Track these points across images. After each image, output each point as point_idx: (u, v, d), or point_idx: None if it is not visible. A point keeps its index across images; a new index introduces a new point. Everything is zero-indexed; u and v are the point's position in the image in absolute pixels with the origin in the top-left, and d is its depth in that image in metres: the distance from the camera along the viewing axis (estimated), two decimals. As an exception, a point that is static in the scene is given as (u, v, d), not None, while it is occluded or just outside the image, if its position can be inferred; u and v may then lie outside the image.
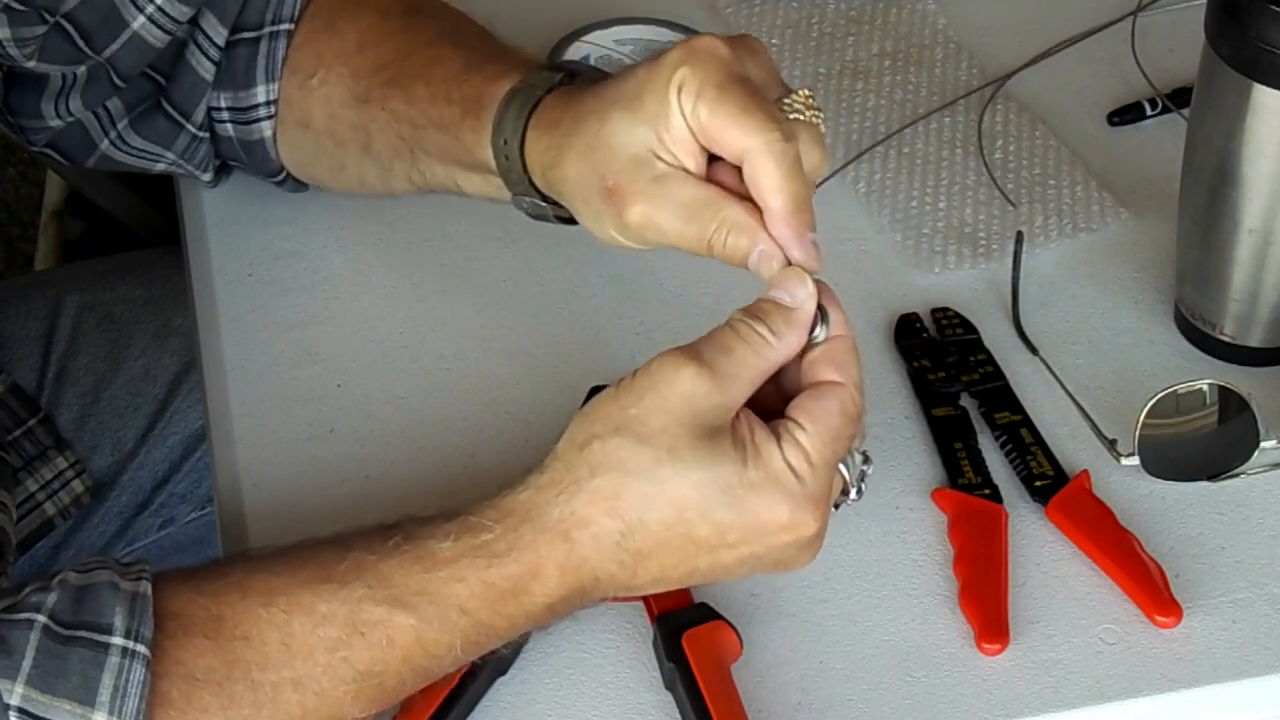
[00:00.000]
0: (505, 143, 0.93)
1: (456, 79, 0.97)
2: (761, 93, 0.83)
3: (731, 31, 1.21)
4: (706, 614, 0.86)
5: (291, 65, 1.03)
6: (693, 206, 0.84)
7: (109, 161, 1.08)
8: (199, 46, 1.03)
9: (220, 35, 1.03)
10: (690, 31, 1.17)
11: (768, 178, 0.82)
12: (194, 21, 1.03)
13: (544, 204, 0.94)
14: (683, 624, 0.85)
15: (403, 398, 1.00)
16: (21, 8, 0.97)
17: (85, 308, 1.23)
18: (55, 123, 1.06)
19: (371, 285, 1.06)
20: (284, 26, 1.03)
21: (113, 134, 1.07)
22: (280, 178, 1.08)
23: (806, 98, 0.85)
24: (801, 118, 0.84)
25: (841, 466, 0.81)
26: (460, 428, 0.98)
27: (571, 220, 0.93)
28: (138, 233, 1.72)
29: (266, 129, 1.04)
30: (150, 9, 1.00)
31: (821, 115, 0.85)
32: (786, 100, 0.84)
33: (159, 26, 1.01)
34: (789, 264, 0.83)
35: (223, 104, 1.05)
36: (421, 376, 1.01)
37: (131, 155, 1.08)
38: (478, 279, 1.06)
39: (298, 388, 1.01)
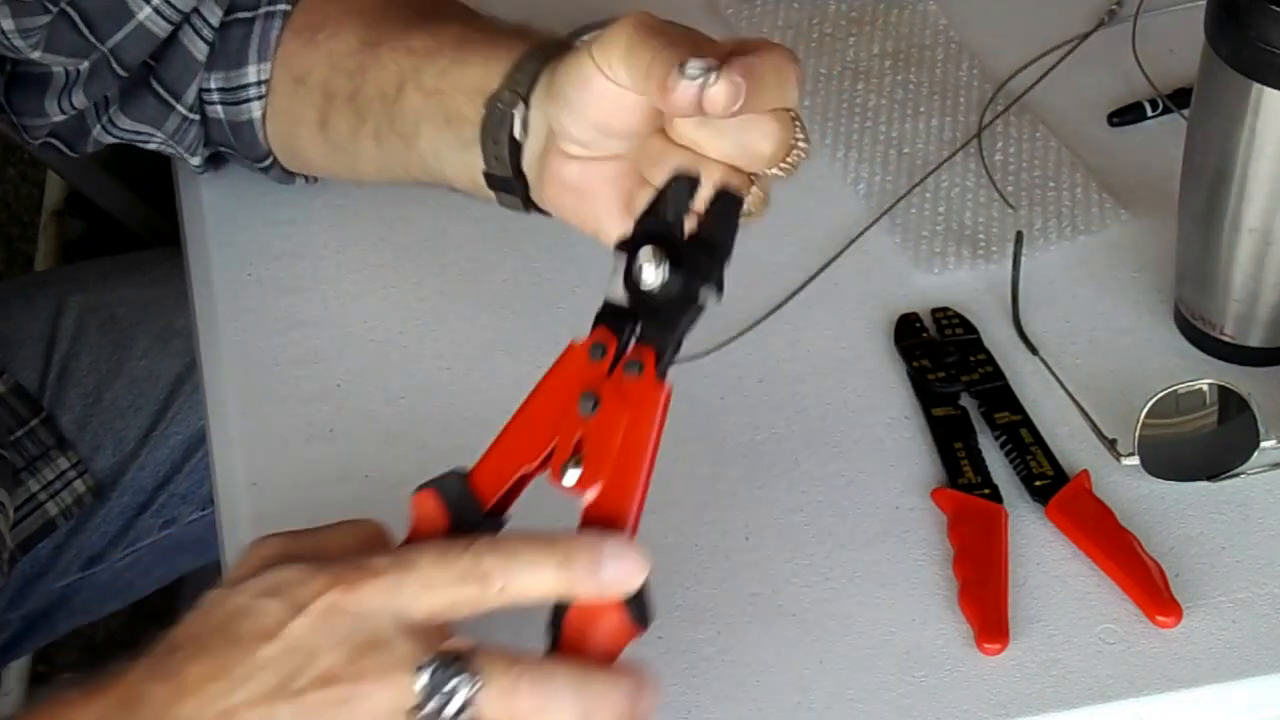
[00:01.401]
0: (523, 68, 0.91)
1: (501, 27, 0.96)
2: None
3: (733, 33, 1.21)
4: None
5: (296, 27, 1.03)
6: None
7: (100, 145, 1.08)
8: (193, 27, 1.03)
9: (215, 16, 1.03)
10: (690, 32, 1.17)
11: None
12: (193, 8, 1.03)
13: (512, 139, 0.91)
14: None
15: (403, 398, 1.00)
16: None
17: (87, 308, 1.23)
18: (58, 117, 1.06)
19: (371, 285, 1.06)
20: (280, 7, 1.03)
21: (104, 119, 1.07)
22: (267, 162, 1.07)
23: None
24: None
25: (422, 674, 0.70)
26: (460, 428, 0.97)
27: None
28: (138, 233, 1.73)
29: (256, 109, 1.04)
30: (156, 0, 1.00)
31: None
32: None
33: (163, 16, 1.01)
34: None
35: (213, 85, 1.04)
36: (421, 376, 1.01)
37: (121, 137, 1.08)
38: (478, 279, 1.06)
39: (298, 388, 1.01)
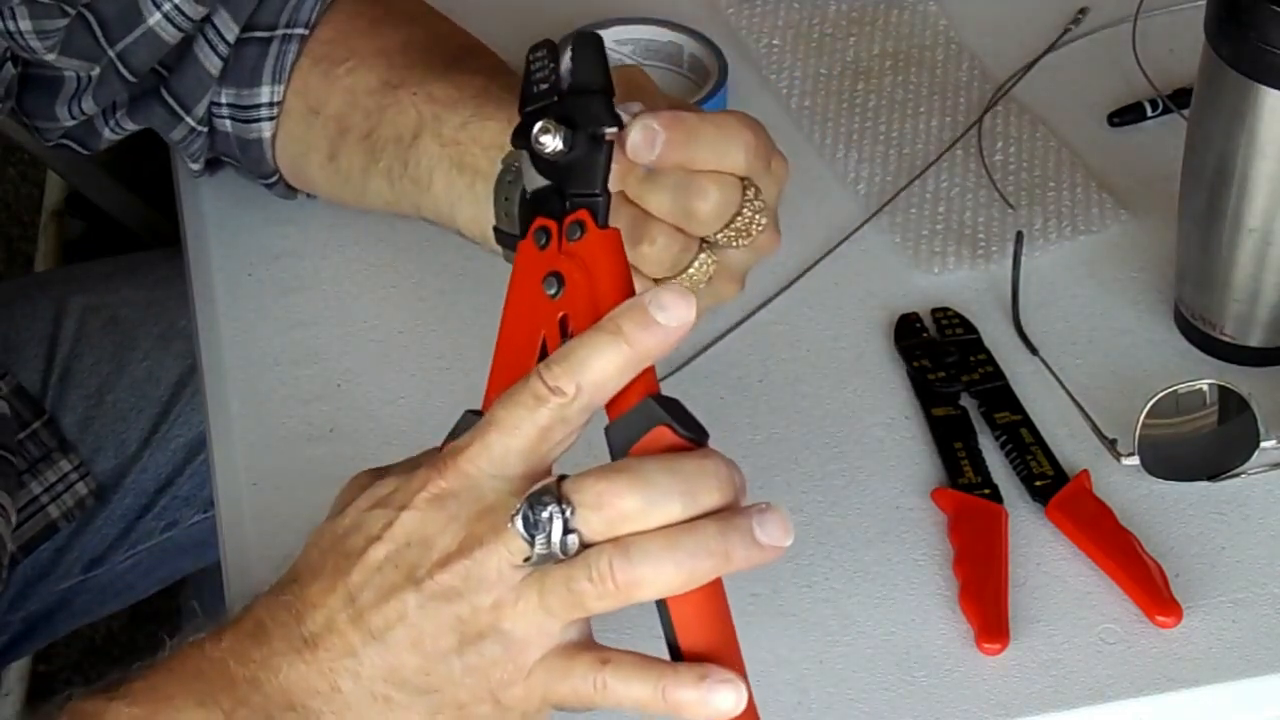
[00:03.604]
0: None
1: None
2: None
3: (733, 33, 1.21)
4: (649, 418, 0.71)
5: (316, 56, 1.03)
6: None
7: (111, 142, 1.09)
8: (208, 41, 1.03)
9: (231, 32, 1.03)
10: (690, 32, 1.17)
11: None
12: (206, 18, 1.03)
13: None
14: (627, 437, 0.72)
15: (403, 398, 1.00)
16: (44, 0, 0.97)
17: (89, 309, 1.23)
18: (69, 122, 1.06)
19: (371, 285, 1.06)
20: (298, 31, 1.03)
21: (111, 122, 1.07)
22: (272, 180, 1.07)
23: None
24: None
25: (522, 515, 0.69)
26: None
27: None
28: (138, 233, 1.73)
29: (266, 130, 1.04)
30: (167, 6, 1.00)
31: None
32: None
33: (173, 24, 1.01)
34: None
35: (224, 99, 1.04)
36: (421, 376, 1.01)
37: (131, 130, 1.08)
38: (478, 279, 1.06)
39: (298, 388, 1.01)
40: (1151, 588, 0.88)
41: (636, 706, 0.69)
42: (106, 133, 1.08)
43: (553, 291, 0.74)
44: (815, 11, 1.23)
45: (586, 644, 0.71)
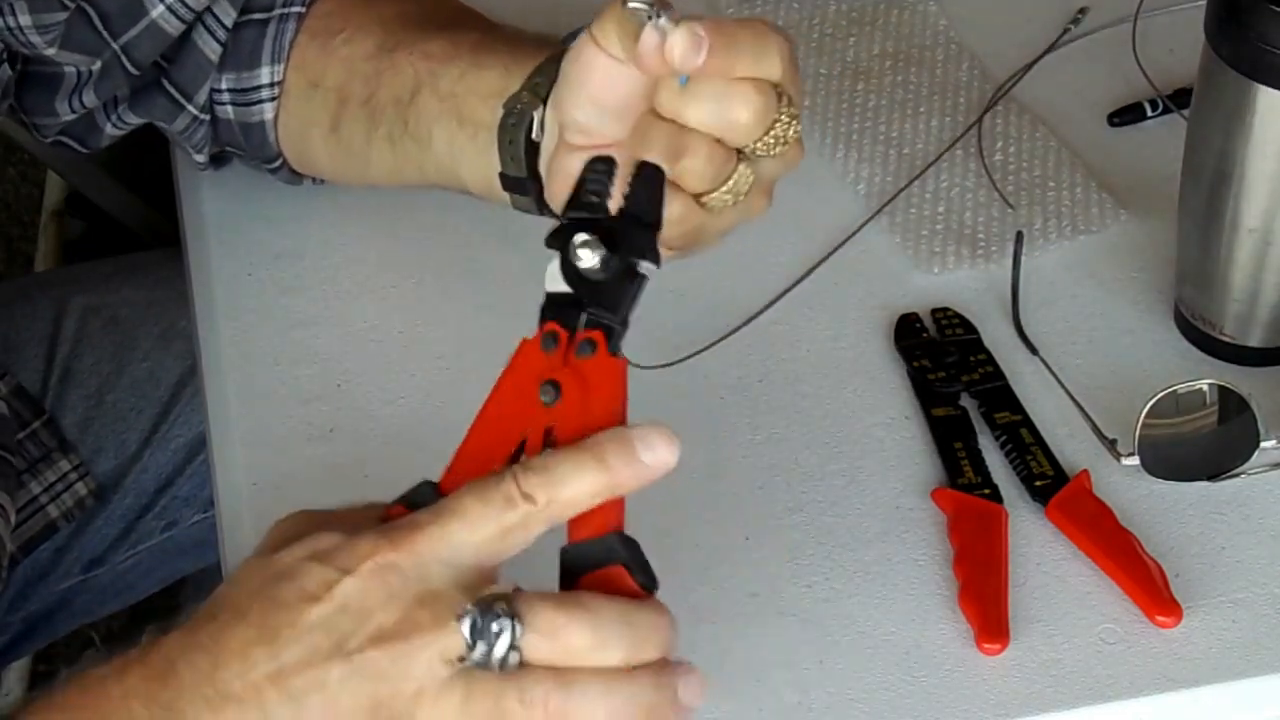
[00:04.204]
0: (544, 72, 0.91)
1: (523, 37, 0.96)
2: None
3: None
4: (610, 555, 0.73)
5: (313, 30, 1.03)
6: None
7: (113, 139, 1.09)
8: (207, 29, 1.03)
9: (229, 17, 1.03)
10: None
11: None
12: (206, 7, 1.03)
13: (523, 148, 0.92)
14: (584, 564, 0.73)
15: (403, 398, 1.00)
16: None
17: (90, 309, 1.23)
18: (69, 117, 1.06)
19: (371, 285, 1.06)
20: (295, 9, 1.03)
21: (114, 117, 1.07)
22: (277, 164, 1.07)
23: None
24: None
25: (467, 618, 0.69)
26: (460, 428, 0.97)
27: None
28: (138, 233, 1.73)
29: (268, 111, 1.04)
30: None
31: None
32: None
33: (176, 15, 1.01)
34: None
35: (224, 85, 1.04)
36: (421, 376, 1.01)
37: (133, 125, 1.08)
38: (478, 279, 1.06)
39: (298, 388, 1.01)
40: (1151, 588, 0.88)
41: None
42: (109, 128, 1.08)
43: (548, 400, 0.74)
44: (815, 11, 1.23)
45: None
